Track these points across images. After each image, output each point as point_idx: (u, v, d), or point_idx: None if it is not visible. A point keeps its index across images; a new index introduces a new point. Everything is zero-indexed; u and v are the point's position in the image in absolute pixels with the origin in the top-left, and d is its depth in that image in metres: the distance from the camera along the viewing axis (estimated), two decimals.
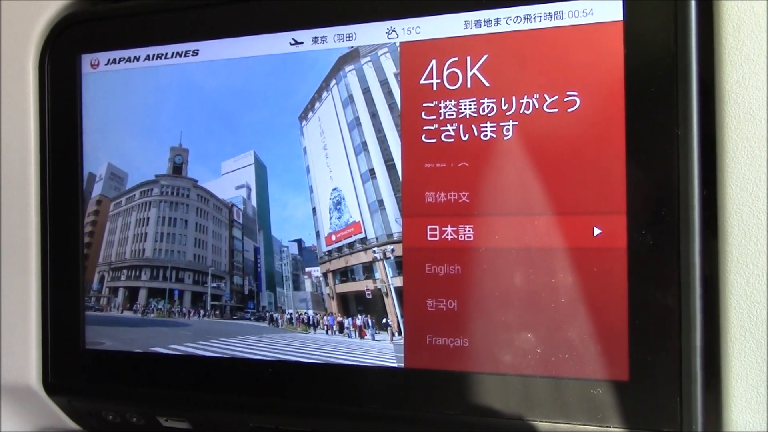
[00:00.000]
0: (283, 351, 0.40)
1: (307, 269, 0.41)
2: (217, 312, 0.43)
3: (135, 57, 0.43)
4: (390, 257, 0.38)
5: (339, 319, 0.40)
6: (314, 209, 0.40)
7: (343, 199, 0.39)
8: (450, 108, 0.36)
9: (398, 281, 0.37)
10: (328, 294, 0.40)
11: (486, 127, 0.36)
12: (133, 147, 0.43)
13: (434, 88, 0.37)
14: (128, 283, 0.45)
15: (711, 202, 0.33)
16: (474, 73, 0.36)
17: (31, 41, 0.44)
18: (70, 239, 0.44)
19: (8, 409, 0.49)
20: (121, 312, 0.45)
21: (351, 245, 0.39)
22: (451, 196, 0.36)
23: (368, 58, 0.38)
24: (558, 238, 0.34)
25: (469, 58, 0.36)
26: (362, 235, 0.39)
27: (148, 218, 0.44)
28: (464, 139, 0.36)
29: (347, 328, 0.40)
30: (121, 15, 0.43)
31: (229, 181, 0.42)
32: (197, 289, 0.43)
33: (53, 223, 0.45)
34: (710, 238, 0.33)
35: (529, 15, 0.35)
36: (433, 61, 0.37)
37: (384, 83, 0.38)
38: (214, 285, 0.43)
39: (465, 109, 0.36)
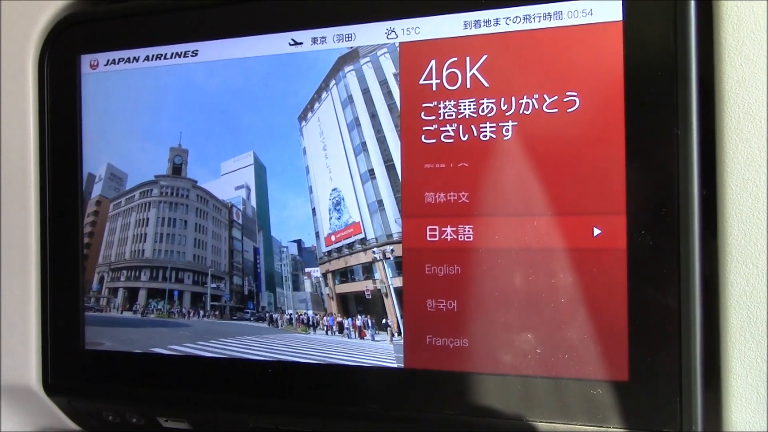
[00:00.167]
0: (283, 351, 0.40)
1: (306, 270, 0.41)
2: (217, 312, 0.43)
3: (134, 57, 0.43)
4: (390, 258, 0.38)
5: (339, 319, 0.40)
6: (314, 210, 0.40)
7: (343, 199, 0.39)
8: (449, 108, 0.36)
9: (398, 282, 0.37)
10: (328, 294, 0.40)
11: (485, 127, 0.36)
12: (133, 147, 0.43)
13: (434, 89, 0.37)
14: (128, 283, 0.45)
15: (711, 203, 0.33)
16: (473, 74, 0.36)
17: (30, 41, 0.44)
18: (69, 240, 0.44)
19: (8, 410, 0.49)
20: (121, 312, 0.45)
21: (351, 246, 0.39)
22: (450, 196, 0.36)
23: (368, 59, 0.38)
24: (558, 238, 0.34)
25: (468, 59, 0.36)
26: (362, 236, 0.39)
27: (147, 219, 0.44)
28: (464, 139, 0.36)
29: (347, 328, 0.40)
30: (120, 15, 0.43)
31: (229, 182, 0.42)
32: (197, 290, 0.43)
33: (53, 223, 0.45)
34: (710, 238, 0.33)
35: (529, 15, 0.35)
36: (433, 62, 0.37)
37: (383, 83, 0.38)
38: (214, 285, 0.43)
39: (464, 109, 0.36)
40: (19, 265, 0.45)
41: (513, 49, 0.35)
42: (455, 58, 0.36)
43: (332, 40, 0.38)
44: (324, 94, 0.39)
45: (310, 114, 0.39)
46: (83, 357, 0.44)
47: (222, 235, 0.43)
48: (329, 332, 0.40)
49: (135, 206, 0.44)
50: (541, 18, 0.35)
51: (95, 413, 0.46)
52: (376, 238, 0.38)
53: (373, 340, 0.39)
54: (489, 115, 0.36)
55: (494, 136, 0.35)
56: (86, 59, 0.44)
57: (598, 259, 0.34)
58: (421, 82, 0.37)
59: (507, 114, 0.35)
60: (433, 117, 0.37)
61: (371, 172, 0.38)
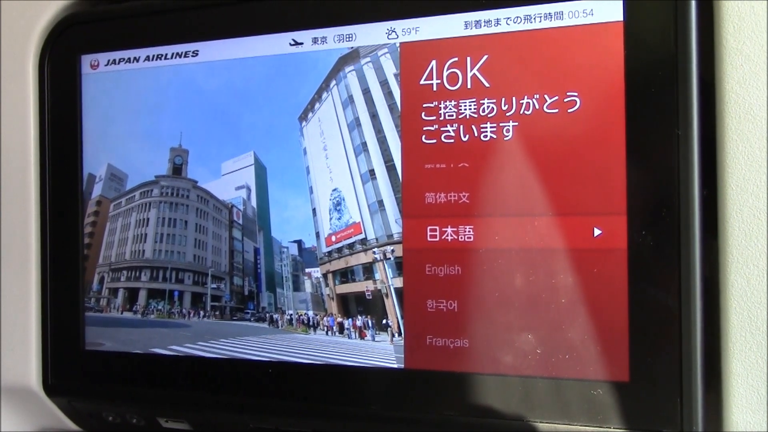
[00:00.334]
0: (283, 352, 0.40)
1: (307, 270, 0.41)
2: (217, 313, 0.43)
3: (135, 58, 0.43)
4: (390, 258, 0.38)
5: (339, 319, 0.40)
6: (314, 210, 0.40)
7: (343, 199, 0.39)
8: (450, 108, 0.36)
9: (398, 282, 0.37)
10: (328, 295, 0.40)
11: (486, 127, 0.36)
12: (133, 148, 0.43)
13: (434, 89, 0.37)
14: (128, 284, 0.45)
15: (711, 203, 0.32)
16: (474, 74, 0.36)
17: (31, 42, 0.44)
18: (69, 240, 0.44)
19: (8, 410, 0.49)
20: (121, 313, 0.45)
21: (351, 246, 0.39)
22: (451, 196, 0.36)
23: (368, 59, 0.38)
24: (558, 238, 0.34)
25: (469, 59, 0.36)
26: (362, 236, 0.39)
27: (147, 219, 0.44)
28: (464, 139, 0.36)
29: (347, 328, 0.39)
30: (121, 16, 0.43)
31: (229, 182, 0.42)
32: (197, 290, 0.43)
33: (53, 224, 0.45)
34: (710, 238, 0.33)
35: (529, 15, 0.35)
36: (433, 62, 0.37)
37: (384, 84, 0.38)
38: (214, 286, 0.43)
39: (465, 109, 0.36)
40: (19, 265, 0.45)
41: (514, 50, 0.35)
42: (456, 59, 0.36)
43: (333, 40, 0.38)
44: (324, 95, 0.39)
45: (310, 114, 0.39)
46: (83, 357, 0.44)
47: (222, 236, 0.43)
48: (329, 333, 0.40)
49: (135, 206, 0.44)
50: (542, 18, 0.35)
51: (95, 414, 0.46)
52: (377, 239, 0.38)
53: (374, 340, 0.39)
54: (489, 116, 0.36)
55: (495, 137, 0.35)
56: (87, 59, 0.44)
57: (598, 259, 0.34)
58: (422, 82, 0.37)
59: (507, 114, 0.35)
60: (434, 117, 0.37)
61: (372, 172, 0.38)
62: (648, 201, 0.33)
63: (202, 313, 0.43)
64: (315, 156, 0.40)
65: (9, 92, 0.45)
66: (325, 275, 0.40)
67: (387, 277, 0.38)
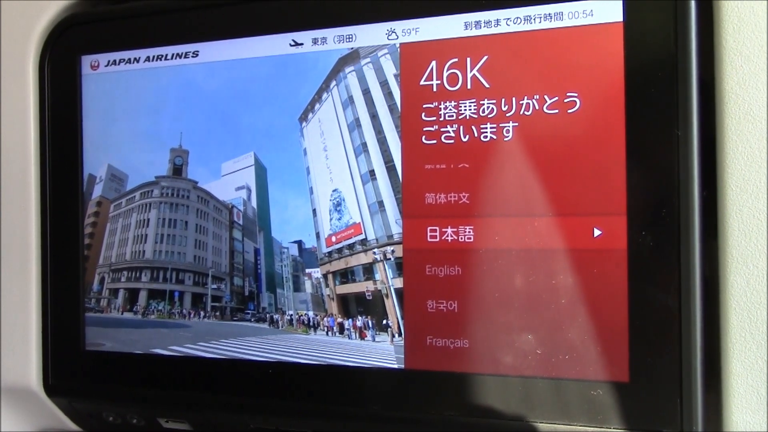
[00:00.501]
0: (284, 352, 0.40)
1: (307, 270, 0.41)
2: (218, 313, 0.43)
3: (135, 58, 0.43)
4: (390, 258, 0.38)
5: (339, 320, 0.40)
6: (314, 210, 0.40)
7: (344, 200, 0.39)
8: (450, 109, 0.36)
9: (398, 282, 0.37)
10: (329, 295, 0.40)
11: (486, 128, 0.36)
12: (133, 148, 0.43)
13: (434, 90, 0.37)
14: (128, 284, 0.45)
15: (711, 203, 0.33)
16: (474, 74, 0.36)
17: (31, 42, 0.44)
18: (70, 241, 0.44)
19: (8, 411, 0.49)
20: (122, 313, 0.45)
21: (351, 246, 0.39)
22: (451, 197, 0.36)
23: (368, 60, 0.38)
24: (558, 239, 0.34)
25: (469, 59, 0.36)
26: (362, 237, 0.39)
27: (148, 220, 0.44)
28: (464, 140, 0.36)
29: (347, 329, 0.40)
30: (121, 16, 0.43)
31: (229, 183, 0.42)
32: (197, 291, 0.43)
33: (53, 224, 0.45)
34: (710, 239, 0.33)
35: (529, 16, 0.35)
36: (433, 62, 0.37)
37: (384, 84, 0.38)
38: (215, 286, 0.43)
39: (465, 110, 0.36)
40: (19, 265, 0.45)
41: (514, 50, 0.35)
42: (456, 59, 0.36)
43: (333, 40, 0.38)
44: (324, 95, 0.39)
45: (310, 115, 0.40)
46: (84, 358, 0.44)
47: (222, 236, 0.43)
48: (330, 333, 0.40)
49: (135, 207, 0.44)
50: (542, 19, 0.35)
51: (96, 414, 0.46)
52: (377, 239, 0.38)
53: (374, 340, 0.39)
54: (489, 116, 0.36)
55: (495, 137, 0.35)
56: (87, 60, 0.44)
57: (598, 259, 0.34)
58: (422, 82, 0.37)
59: (507, 115, 0.35)
60: (434, 118, 0.37)
61: (372, 172, 0.38)
62: (648, 201, 0.33)
63: (202, 313, 0.43)
64: (315, 156, 0.40)
65: (9, 93, 0.45)
66: (325, 276, 0.40)
67: (387, 278, 0.38)
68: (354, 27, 0.38)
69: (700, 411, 0.32)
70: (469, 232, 0.36)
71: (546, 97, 0.35)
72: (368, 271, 0.39)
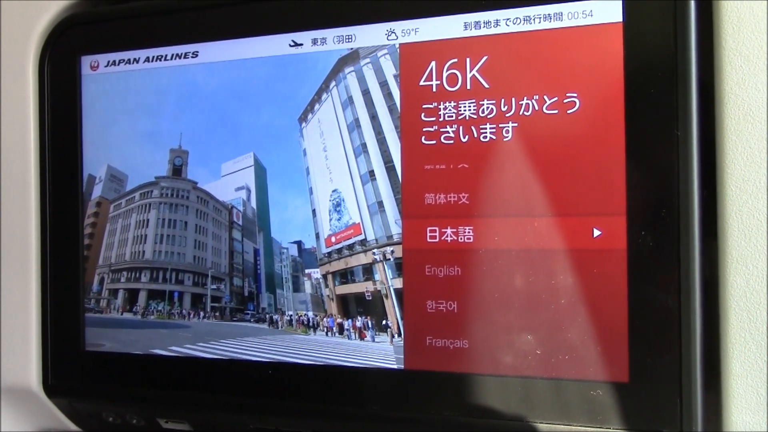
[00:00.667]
0: (283, 352, 0.40)
1: (306, 271, 0.41)
2: (217, 314, 0.43)
3: (135, 59, 0.43)
4: (390, 259, 0.38)
5: (339, 320, 0.40)
6: (314, 211, 0.40)
7: (343, 200, 0.39)
8: (449, 109, 0.36)
9: (398, 283, 0.37)
10: (328, 296, 0.40)
11: (485, 128, 0.36)
12: (133, 149, 0.43)
13: (434, 90, 0.37)
14: (128, 284, 0.45)
15: (711, 204, 0.33)
16: (473, 75, 0.36)
17: (31, 43, 0.44)
18: (70, 241, 0.44)
19: (8, 411, 0.49)
20: (121, 314, 0.45)
21: (351, 247, 0.39)
22: (450, 197, 0.36)
23: (368, 60, 0.38)
24: (558, 239, 0.34)
25: (468, 60, 0.36)
26: (362, 237, 0.39)
27: (147, 220, 0.44)
28: (464, 140, 0.36)
29: (347, 329, 0.40)
30: (121, 17, 0.43)
31: (229, 183, 0.42)
32: (197, 291, 0.43)
33: (53, 224, 0.45)
34: (710, 239, 0.33)
35: (529, 16, 0.35)
36: (433, 63, 0.37)
37: (384, 85, 0.38)
38: (214, 287, 0.43)
39: (464, 110, 0.36)
40: (19, 266, 0.45)
41: (513, 51, 0.35)
42: (455, 60, 0.36)
43: (332, 41, 0.38)
44: (324, 96, 0.39)
45: (310, 115, 0.40)
46: (83, 358, 0.44)
47: (222, 237, 0.43)
48: (329, 333, 0.40)
49: (135, 207, 0.44)
50: (542, 19, 0.35)
51: (95, 414, 0.46)
52: (377, 240, 0.38)
53: (373, 341, 0.39)
54: (489, 116, 0.36)
55: (494, 137, 0.35)
56: (87, 60, 0.44)
57: (598, 260, 0.34)
58: (421, 83, 0.37)
59: (507, 115, 0.35)
60: (434, 118, 0.37)
61: (371, 173, 0.38)
62: (648, 201, 0.33)
63: (202, 314, 0.43)
64: (315, 157, 0.40)
65: (9, 93, 0.45)
66: (324, 276, 0.40)
67: (387, 278, 0.38)
68: (353, 27, 0.38)
69: (699, 411, 0.32)
70: (469, 232, 0.36)
71: (545, 97, 0.35)
72: (368, 271, 0.39)
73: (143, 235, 0.44)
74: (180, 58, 0.42)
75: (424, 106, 0.37)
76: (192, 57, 0.42)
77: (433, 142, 0.37)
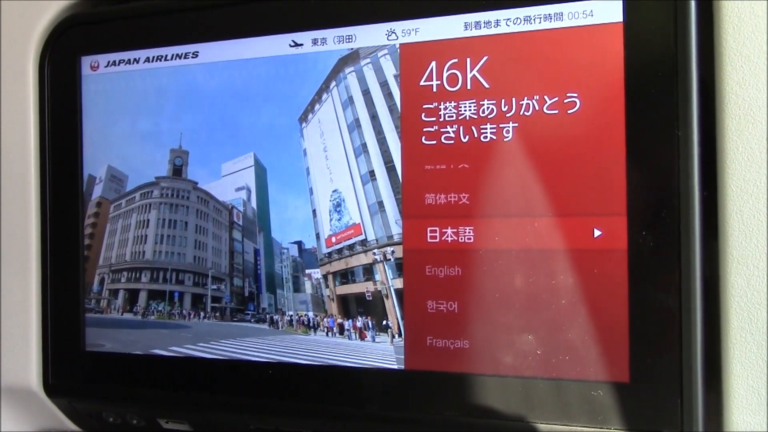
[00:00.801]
0: (284, 353, 0.40)
1: (307, 271, 0.41)
2: (218, 314, 0.43)
3: (135, 59, 0.43)
4: (390, 259, 0.38)
5: (339, 320, 0.40)
6: (314, 211, 0.40)
7: (343, 200, 0.39)
8: (450, 109, 0.36)
9: (398, 283, 0.37)
10: (329, 296, 0.40)
11: (486, 128, 0.36)
12: (133, 149, 0.43)
13: (434, 90, 0.37)
14: (128, 285, 0.45)
15: (711, 204, 0.32)
16: (474, 75, 0.36)
17: (31, 43, 0.44)
18: (70, 241, 0.44)
19: (8, 411, 0.49)
20: (122, 314, 0.45)
21: (351, 247, 0.39)
22: (451, 197, 0.36)
23: (368, 60, 0.38)
24: (558, 239, 0.34)
25: (469, 60, 0.36)
26: (362, 237, 0.39)
27: (148, 220, 0.44)
28: (464, 140, 0.36)
29: (347, 329, 0.39)
30: (121, 17, 0.43)
31: (229, 183, 0.42)
32: (197, 291, 0.43)
33: (53, 225, 0.45)
34: (711, 239, 0.33)
35: (529, 16, 0.35)
36: (433, 63, 0.37)
37: (384, 85, 0.38)
38: (214, 287, 0.43)
39: (465, 110, 0.36)
40: (19, 266, 0.45)
41: (514, 51, 0.35)
42: (456, 60, 0.36)
43: (333, 41, 0.38)
44: (324, 96, 0.39)
45: (310, 115, 0.39)
46: (84, 358, 0.44)
47: (222, 237, 0.43)
48: (330, 334, 0.40)
49: (135, 208, 0.44)
50: (542, 19, 0.35)
51: (95, 414, 0.46)
52: (377, 240, 0.38)
53: (374, 341, 0.39)
54: (489, 117, 0.36)
55: (495, 138, 0.35)
56: (87, 60, 0.44)
57: (598, 260, 0.34)
58: (422, 83, 0.37)
59: (507, 115, 0.35)
60: (434, 118, 0.37)
61: (372, 173, 0.38)
62: (648, 202, 0.33)
63: (202, 314, 0.43)
64: (315, 157, 0.40)
65: (9, 93, 0.45)
66: (325, 276, 0.40)
67: (387, 278, 0.38)
68: (354, 27, 0.38)
69: (700, 411, 0.32)
70: (469, 232, 0.36)
71: (546, 97, 0.35)
72: (368, 271, 0.39)
73: (143, 236, 0.44)
74: (180, 58, 0.42)
75: (424, 106, 0.37)
76: (192, 57, 0.42)
77: (434, 142, 0.37)
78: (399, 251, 0.37)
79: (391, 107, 0.38)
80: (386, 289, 0.38)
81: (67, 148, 0.44)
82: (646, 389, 0.33)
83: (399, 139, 0.37)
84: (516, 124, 0.35)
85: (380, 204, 0.38)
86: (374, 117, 0.38)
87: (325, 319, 0.40)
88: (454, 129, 0.36)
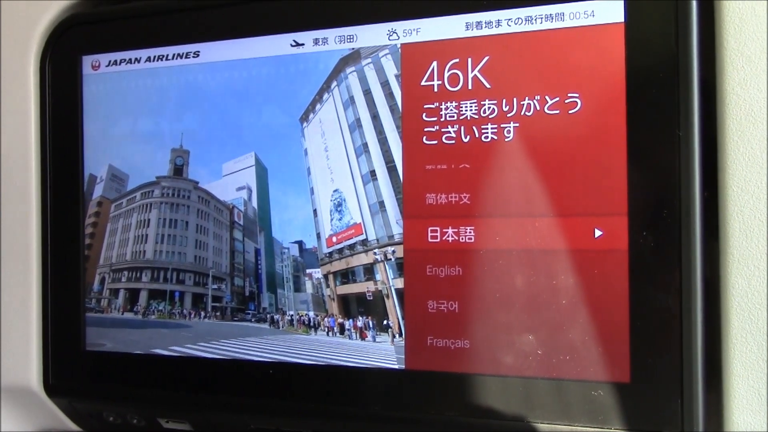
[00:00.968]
0: (284, 352, 0.40)
1: (307, 271, 0.41)
2: (218, 313, 0.43)
3: (136, 58, 0.43)
4: (391, 259, 0.38)
5: (340, 320, 0.40)
6: (315, 211, 0.40)
7: (344, 200, 0.39)
8: (451, 109, 0.36)
9: (399, 283, 0.37)
10: (329, 295, 0.40)
11: (487, 128, 0.36)
12: (134, 148, 0.43)
13: (435, 90, 0.37)
14: (129, 284, 0.45)
15: (712, 204, 0.33)
16: (475, 75, 0.36)
17: (32, 42, 0.45)
18: (71, 241, 0.44)
19: (8, 411, 0.49)
20: (122, 313, 0.45)
21: (352, 247, 0.39)
22: (452, 197, 0.36)
23: (369, 60, 0.38)
24: (559, 239, 0.34)
25: (470, 60, 0.36)
26: (363, 237, 0.39)
27: (148, 220, 0.44)
28: (465, 140, 0.36)
29: (348, 329, 0.40)
30: (122, 16, 0.43)
31: (230, 183, 0.42)
32: (198, 291, 0.43)
33: (54, 224, 0.45)
34: (711, 239, 0.33)
35: (530, 17, 0.35)
36: (434, 63, 0.37)
37: (385, 85, 0.38)
38: (215, 286, 0.43)
39: (466, 110, 0.36)
40: (20, 265, 0.45)
41: (515, 51, 0.35)
42: (457, 60, 0.36)
43: (334, 41, 0.38)
44: (325, 95, 0.39)
45: (311, 115, 0.40)
46: (84, 358, 0.44)
47: (223, 236, 0.43)
48: (330, 333, 0.40)
49: (136, 207, 0.44)
50: (543, 19, 0.35)
51: (96, 414, 0.46)
52: (378, 239, 0.38)
53: (374, 341, 0.39)
54: (490, 117, 0.36)
55: (496, 138, 0.35)
56: (88, 60, 0.44)
57: (599, 260, 0.34)
58: (423, 83, 0.37)
59: (508, 115, 0.35)
60: (435, 118, 0.37)
61: (372, 173, 0.38)
62: (649, 202, 0.33)
63: (203, 313, 0.43)
64: (316, 157, 0.40)
65: (10, 93, 0.45)
66: (326, 276, 0.40)
67: (388, 278, 0.38)
68: (355, 27, 0.38)
69: (700, 411, 0.32)
70: (470, 232, 0.36)
71: (547, 97, 0.35)
72: (369, 271, 0.39)
73: (144, 235, 0.44)
74: (181, 57, 0.42)
75: (425, 106, 0.37)
76: (193, 57, 0.42)
77: (435, 142, 0.37)
78: (400, 251, 0.37)
79: (392, 107, 0.38)
80: (387, 289, 0.38)
81: (68, 148, 0.44)
82: (647, 389, 0.33)
83: (400, 139, 0.37)
84: (517, 124, 0.35)
85: (381, 204, 0.38)
86: (375, 117, 0.38)
87: (325, 319, 0.40)
88: (455, 129, 0.36)
